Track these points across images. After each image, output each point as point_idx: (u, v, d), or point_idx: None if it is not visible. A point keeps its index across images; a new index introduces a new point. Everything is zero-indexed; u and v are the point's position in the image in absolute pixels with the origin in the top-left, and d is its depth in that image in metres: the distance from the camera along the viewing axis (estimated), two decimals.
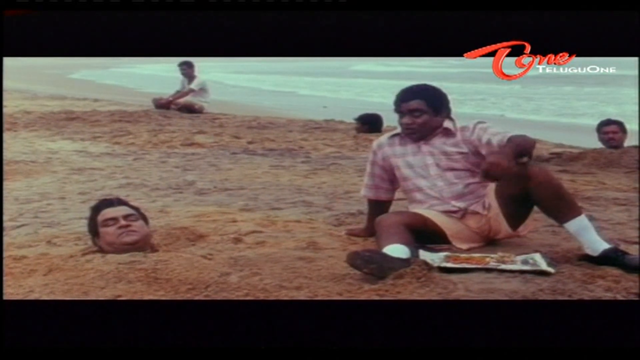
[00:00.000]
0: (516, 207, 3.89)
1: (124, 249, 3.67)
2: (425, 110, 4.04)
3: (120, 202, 3.94)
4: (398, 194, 4.37)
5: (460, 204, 4.01)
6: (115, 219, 3.76)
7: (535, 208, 3.88)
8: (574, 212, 3.70)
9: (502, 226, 3.96)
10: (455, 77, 26.59)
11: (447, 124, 4.07)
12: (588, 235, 3.66)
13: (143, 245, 3.74)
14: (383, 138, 4.30)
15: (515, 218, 3.94)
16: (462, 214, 4.01)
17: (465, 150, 4.03)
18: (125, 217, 3.78)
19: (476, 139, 3.98)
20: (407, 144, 4.14)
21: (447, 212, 4.02)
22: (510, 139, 3.78)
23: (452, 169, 4.04)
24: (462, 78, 26.13)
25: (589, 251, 3.64)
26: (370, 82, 26.95)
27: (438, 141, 4.07)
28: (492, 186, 3.98)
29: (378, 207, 4.26)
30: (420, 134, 4.08)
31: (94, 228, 3.82)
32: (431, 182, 4.07)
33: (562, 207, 3.69)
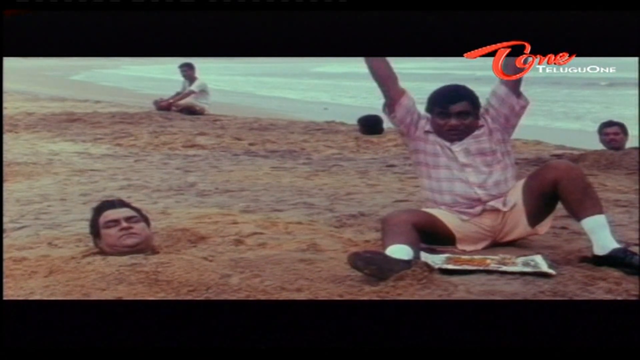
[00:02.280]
0: (542, 203, 3.90)
1: (124, 251, 3.66)
2: (471, 112, 4.01)
3: (122, 203, 3.93)
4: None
5: (482, 193, 3.97)
6: (116, 221, 3.75)
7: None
8: (597, 209, 3.72)
9: (519, 225, 3.95)
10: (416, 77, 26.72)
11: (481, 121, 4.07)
12: (602, 233, 3.66)
13: (144, 247, 3.73)
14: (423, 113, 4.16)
15: (537, 215, 3.93)
16: (480, 210, 3.98)
17: (486, 127, 4.02)
18: (127, 219, 3.76)
19: (485, 106, 4.04)
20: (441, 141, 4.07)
21: (467, 201, 3.98)
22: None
23: (482, 153, 4.00)
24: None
25: (597, 249, 3.64)
26: (328, 82, 27.11)
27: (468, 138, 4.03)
28: (520, 183, 3.98)
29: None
30: (463, 136, 4.02)
31: (95, 229, 3.81)
32: (459, 168, 4.01)
33: (586, 203, 3.71)
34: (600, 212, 3.72)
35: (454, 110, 4.00)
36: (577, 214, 3.75)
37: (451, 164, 4.02)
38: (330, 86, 26.41)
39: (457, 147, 4.02)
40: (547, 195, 3.86)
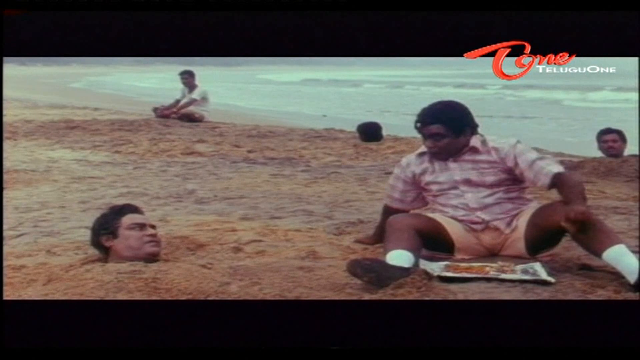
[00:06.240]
0: (545, 238, 3.84)
1: (144, 257, 3.63)
2: (445, 134, 3.96)
3: (141, 211, 3.92)
4: None
5: (484, 216, 3.93)
6: (143, 226, 3.74)
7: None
8: (612, 240, 3.58)
9: (516, 250, 3.89)
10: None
11: (474, 142, 3.99)
12: (626, 260, 3.50)
13: (158, 257, 3.72)
14: (412, 157, 4.18)
15: (537, 247, 3.87)
16: (483, 227, 3.95)
17: (498, 165, 3.96)
18: (152, 226, 3.77)
19: (511, 162, 3.93)
20: (435, 161, 4.06)
21: (469, 222, 3.95)
22: (560, 177, 3.79)
23: (484, 185, 3.96)
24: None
25: (630, 277, 3.45)
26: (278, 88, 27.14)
27: (467, 157, 3.99)
28: (529, 210, 3.92)
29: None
30: (445, 155, 4.01)
31: (113, 229, 3.73)
32: (459, 195, 3.99)
33: (600, 236, 3.56)
34: (617, 243, 3.56)
35: (427, 132, 3.99)
36: (595, 250, 3.61)
37: (450, 191, 4.01)
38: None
39: (457, 176, 4.00)
40: (552, 232, 3.79)
